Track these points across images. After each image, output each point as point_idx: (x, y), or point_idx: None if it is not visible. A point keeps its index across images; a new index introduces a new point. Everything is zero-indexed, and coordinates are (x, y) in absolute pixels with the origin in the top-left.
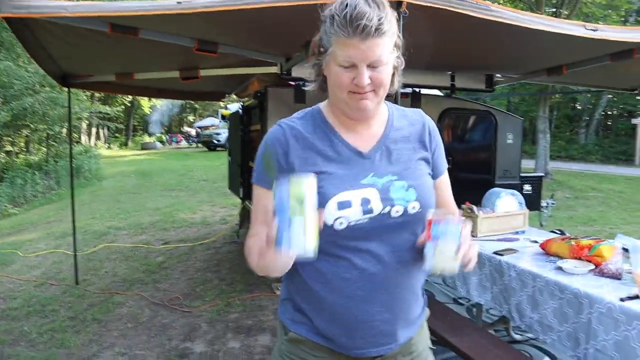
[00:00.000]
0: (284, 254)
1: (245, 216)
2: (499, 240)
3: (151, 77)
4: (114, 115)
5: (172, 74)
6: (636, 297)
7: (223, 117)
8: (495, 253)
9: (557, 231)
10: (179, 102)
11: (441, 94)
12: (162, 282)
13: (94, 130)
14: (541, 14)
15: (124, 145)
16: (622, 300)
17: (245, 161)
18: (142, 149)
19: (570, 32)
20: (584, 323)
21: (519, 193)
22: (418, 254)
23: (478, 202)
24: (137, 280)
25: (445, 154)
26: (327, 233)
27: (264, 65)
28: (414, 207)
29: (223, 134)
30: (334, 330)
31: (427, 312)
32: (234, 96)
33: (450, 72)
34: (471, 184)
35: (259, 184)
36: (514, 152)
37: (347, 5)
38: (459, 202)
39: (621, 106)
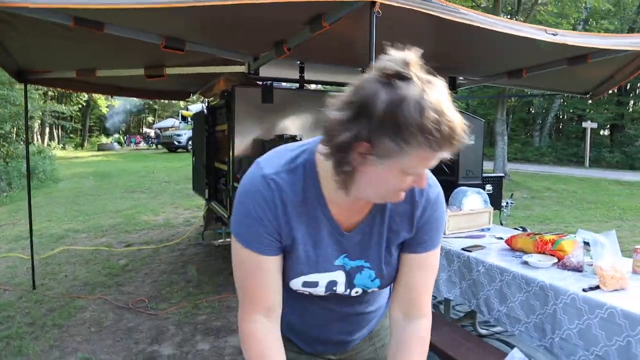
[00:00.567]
0: None
1: (210, 218)
2: (466, 237)
3: (114, 75)
4: (69, 115)
5: (137, 72)
6: (597, 287)
7: (184, 118)
8: (464, 249)
9: (519, 228)
10: (137, 102)
11: None
12: (125, 285)
13: (47, 130)
14: None
15: (80, 146)
16: (584, 290)
17: (211, 162)
18: (99, 150)
19: (534, 35)
20: (550, 314)
21: (484, 192)
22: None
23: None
24: (99, 284)
25: None
26: (289, 290)
27: (231, 64)
28: (373, 290)
29: (184, 135)
30: (295, 339)
31: (387, 311)
32: (195, 97)
33: None
34: None
35: (250, 247)
36: (476, 153)
37: (440, 114)
38: None
39: (571, 110)
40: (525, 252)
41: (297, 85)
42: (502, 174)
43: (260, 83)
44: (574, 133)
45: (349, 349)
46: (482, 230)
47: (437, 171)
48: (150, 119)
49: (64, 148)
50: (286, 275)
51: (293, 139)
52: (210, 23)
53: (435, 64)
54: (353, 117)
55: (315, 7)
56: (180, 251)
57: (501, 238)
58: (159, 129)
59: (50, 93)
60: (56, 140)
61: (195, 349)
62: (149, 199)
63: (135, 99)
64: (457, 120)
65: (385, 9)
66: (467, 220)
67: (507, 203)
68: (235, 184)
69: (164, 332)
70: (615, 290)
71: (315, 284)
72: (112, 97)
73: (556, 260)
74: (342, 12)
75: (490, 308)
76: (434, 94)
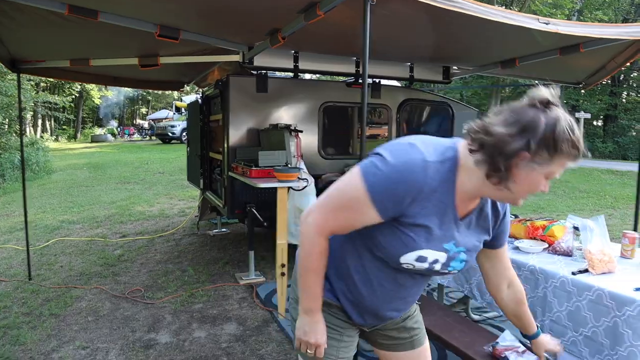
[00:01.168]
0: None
1: (205, 208)
2: None
3: (108, 64)
4: (62, 106)
5: (130, 61)
6: (586, 270)
7: (177, 110)
8: None
9: (512, 216)
10: (130, 93)
11: (399, 84)
12: (121, 275)
13: (40, 121)
14: None
15: (73, 138)
16: (573, 274)
17: (206, 152)
18: (93, 141)
19: (526, 24)
20: (540, 297)
21: None
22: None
23: None
24: (95, 274)
25: None
26: (393, 261)
27: (225, 54)
28: (457, 272)
29: (178, 127)
30: (351, 310)
31: None
32: (189, 88)
33: (409, 64)
34: None
35: (373, 199)
36: None
37: (578, 132)
38: None
39: (565, 101)
40: (517, 238)
41: (292, 74)
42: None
43: (254, 72)
44: None
45: (381, 325)
46: None
47: None
48: (143, 110)
49: (57, 140)
50: (403, 249)
51: (287, 128)
52: (205, 11)
53: (429, 53)
54: (518, 133)
55: None
56: (176, 241)
57: None
58: (153, 120)
59: (42, 84)
60: (49, 131)
61: (192, 336)
62: (143, 190)
63: (128, 89)
64: (582, 139)
65: None
66: None
67: None
68: (231, 173)
69: (160, 321)
70: (604, 273)
71: (424, 259)
72: (105, 87)
73: (547, 245)
74: (336, 0)
75: (482, 293)
76: (571, 118)
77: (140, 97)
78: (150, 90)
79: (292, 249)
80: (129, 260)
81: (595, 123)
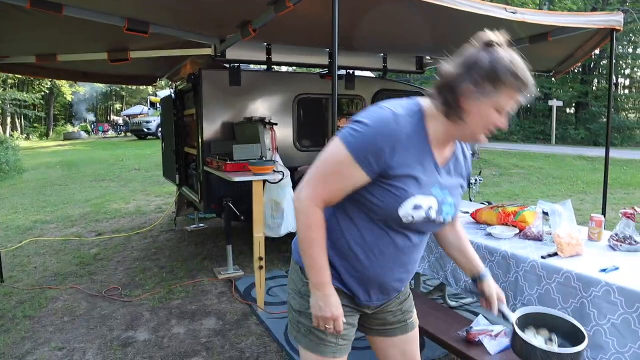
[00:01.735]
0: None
1: (182, 203)
2: None
3: (77, 59)
4: (32, 103)
5: (100, 56)
6: (555, 254)
7: (152, 105)
8: None
9: (485, 203)
10: (103, 88)
11: (373, 75)
12: (98, 274)
13: (8, 119)
14: None
15: (45, 135)
16: (543, 257)
17: (180, 147)
18: (65, 139)
19: (494, 14)
20: (512, 282)
21: None
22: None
23: None
24: (71, 274)
25: None
26: (392, 219)
27: (197, 47)
28: (450, 219)
29: (153, 122)
30: (357, 287)
31: None
32: (163, 83)
33: (382, 54)
34: None
35: (357, 159)
36: None
37: (525, 70)
38: None
39: (538, 89)
40: (489, 225)
41: (265, 67)
42: (471, 152)
43: (227, 65)
44: (540, 111)
45: (384, 303)
46: None
47: None
48: (117, 106)
49: (27, 138)
50: (398, 200)
51: (262, 120)
52: (174, 4)
53: (401, 43)
54: (464, 71)
55: None
56: (153, 238)
57: (467, 212)
58: (127, 116)
59: (10, 80)
60: (19, 130)
61: (171, 332)
62: (118, 187)
63: (100, 85)
64: (529, 74)
65: None
66: None
67: (475, 180)
68: (206, 168)
69: (138, 318)
70: (572, 256)
71: (419, 207)
72: (76, 83)
73: (518, 230)
74: None
75: (457, 279)
76: (516, 55)
77: (113, 93)
78: (124, 86)
79: (269, 241)
80: (105, 258)
81: (567, 110)
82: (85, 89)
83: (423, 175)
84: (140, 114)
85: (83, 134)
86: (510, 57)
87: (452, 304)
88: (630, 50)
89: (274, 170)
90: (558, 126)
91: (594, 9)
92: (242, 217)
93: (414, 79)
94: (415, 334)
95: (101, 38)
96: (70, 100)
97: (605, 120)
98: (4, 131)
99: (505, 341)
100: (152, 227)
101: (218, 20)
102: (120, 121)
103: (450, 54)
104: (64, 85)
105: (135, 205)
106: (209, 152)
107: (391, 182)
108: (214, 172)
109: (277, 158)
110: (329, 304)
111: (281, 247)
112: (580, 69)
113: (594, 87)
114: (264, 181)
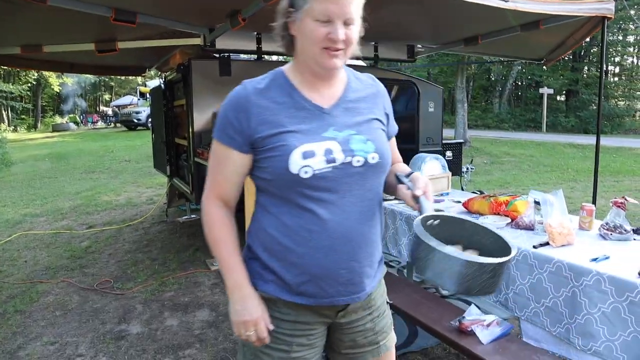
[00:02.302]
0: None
1: (173, 194)
2: None
3: (63, 50)
4: (19, 94)
5: (87, 47)
6: (546, 244)
7: (142, 95)
8: None
9: (477, 192)
10: (92, 79)
11: (364, 64)
12: (89, 267)
13: None
14: None
15: (33, 127)
16: (534, 247)
17: (171, 138)
18: (54, 130)
19: (486, 2)
20: (504, 272)
21: (442, 157)
22: (378, 205)
23: None
24: (62, 267)
25: None
26: (293, 182)
27: (186, 37)
28: (373, 158)
29: (143, 113)
30: (302, 281)
31: (384, 268)
32: (153, 73)
33: (373, 43)
34: None
35: (221, 140)
36: (435, 120)
37: None
38: None
39: (529, 77)
40: (482, 214)
41: (255, 56)
42: (462, 141)
43: (217, 55)
44: (531, 99)
45: (350, 308)
46: (442, 194)
47: (397, 138)
48: (107, 96)
49: (15, 130)
50: (283, 158)
51: None
52: None
53: (393, 31)
54: (285, 3)
55: None
56: (145, 230)
57: (459, 202)
58: (117, 106)
59: None
60: (6, 122)
61: (164, 325)
62: (109, 179)
63: (89, 76)
64: None
65: None
66: None
67: (467, 168)
68: (197, 159)
69: (131, 311)
70: (563, 245)
71: (312, 154)
72: (63, 74)
73: (510, 220)
74: None
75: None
76: None
77: (102, 83)
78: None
79: None
80: (96, 251)
81: (558, 98)
82: (74, 80)
83: (302, 125)
84: (130, 104)
85: (72, 125)
86: None
87: (445, 293)
88: (620, 37)
89: None
90: (549, 114)
91: None
92: None
93: (404, 67)
94: (390, 355)
95: (88, 28)
96: (58, 91)
97: (595, 108)
98: None
99: (497, 330)
100: (144, 219)
101: (207, 10)
102: (110, 112)
103: (442, 42)
104: (52, 76)
105: (126, 197)
106: (200, 143)
107: (267, 146)
108: (205, 163)
109: None
110: (246, 306)
111: None
112: (571, 57)
113: (584, 75)
114: None
